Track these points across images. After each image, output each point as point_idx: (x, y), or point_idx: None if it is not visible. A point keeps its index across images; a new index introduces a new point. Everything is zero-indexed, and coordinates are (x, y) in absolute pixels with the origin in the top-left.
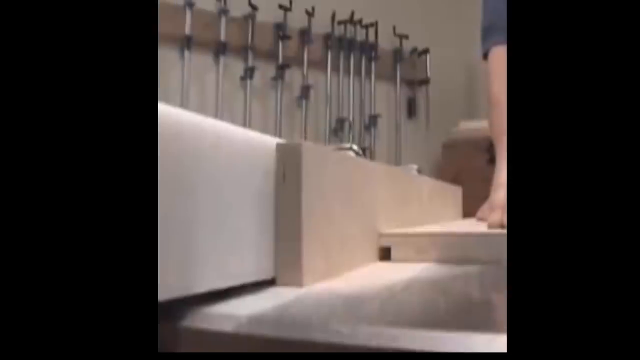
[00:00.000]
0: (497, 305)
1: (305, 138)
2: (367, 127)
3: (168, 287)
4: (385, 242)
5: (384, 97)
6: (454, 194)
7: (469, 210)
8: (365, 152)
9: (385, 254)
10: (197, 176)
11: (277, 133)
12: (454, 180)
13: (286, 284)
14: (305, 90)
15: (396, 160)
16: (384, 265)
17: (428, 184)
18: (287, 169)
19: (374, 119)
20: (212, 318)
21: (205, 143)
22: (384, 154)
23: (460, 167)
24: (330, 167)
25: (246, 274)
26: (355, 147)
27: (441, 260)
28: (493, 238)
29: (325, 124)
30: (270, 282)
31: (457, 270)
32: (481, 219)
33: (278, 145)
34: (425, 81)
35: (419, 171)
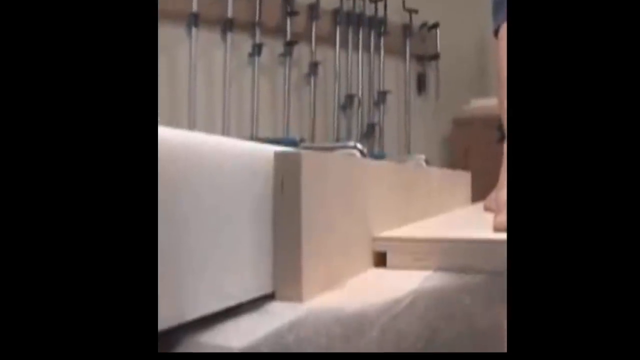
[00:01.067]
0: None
1: (314, 115)
2: (377, 104)
3: (159, 318)
4: (380, 247)
5: (394, 73)
6: (463, 179)
7: (479, 190)
8: (375, 128)
9: (379, 259)
10: (186, 197)
11: (285, 110)
12: (464, 156)
13: (286, 298)
14: (314, 67)
15: (406, 136)
16: (380, 273)
17: (435, 175)
18: (286, 179)
19: (383, 95)
20: (204, 349)
21: (193, 162)
22: (393, 130)
23: (470, 144)
24: (331, 173)
25: (244, 293)
26: (359, 146)
27: (441, 269)
28: (498, 246)
29: (334, 101)
30: (270, 296)
31: (460, 282)
32: (489, 209)
33: (276, 154)
34: (435, 56)
35: (427, 162)
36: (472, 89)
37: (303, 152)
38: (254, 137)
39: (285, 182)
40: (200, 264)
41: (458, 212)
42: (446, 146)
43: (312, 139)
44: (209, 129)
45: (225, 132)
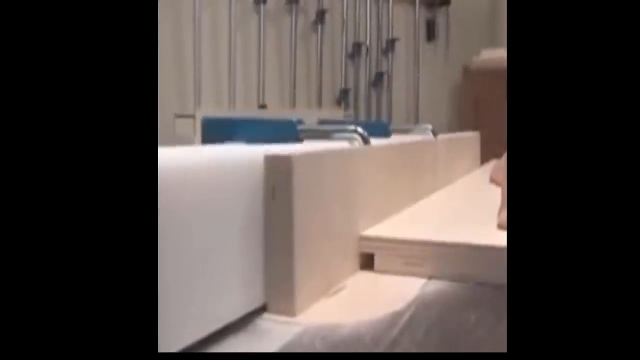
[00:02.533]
0: None
1: (321, 65)
2: (385, 52)
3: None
4: (367, 248)
5: (402, 20)
6: (471, 142)
7: (488, 140)
8: (383, 77)
9: (366, 260)
10: (168, 220)
11: (292, 59)
12: (474, 104)
13: (278, 311)
14: (321, 15)
15: (414, 85)
16: (371, 279)
17: (442, 146)
18: (277, 185)
19: (391, 43)
20: None
21: (175, 181)
22: (402, 79)
23: (479, 95)
24: (326, 174)
25: (233, 312)
26: (360, 129)
27: (436, 277)
28: (500, 253)
29: (341, 49)
30: (261, 308)
31: (460, 296)
32: (494, 181)
33: (266, 158)
34: (445, 2)
35: (434, 133)
36: (483, 36)
37: (295, 155)
38: (260, 83)
39: (277, 188)
40: (185, 291)
41: (462, 187)
42: (455, 95)
43: (320, 89)
44: (215, 78)
45: (231, 80)
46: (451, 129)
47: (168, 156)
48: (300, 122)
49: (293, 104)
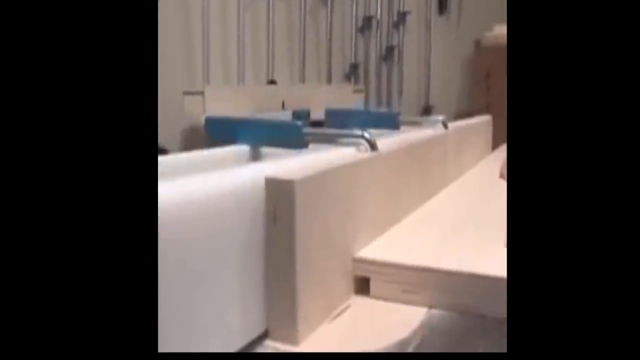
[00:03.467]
0: None
1: (331, 39)
2: (396, 25)
3: None
4: (362, 271)
5: None
6: (484, 128)
7: (497, 122)
8: (394, 50)
9: (361, 283)
10: (164, 249)
11: (301, 34)
12: (486, 78)
13: (279, 339)
14: None
15: (426, 59)
16: (367, 305)
17: (453, 138)
18: (278, 209)
19: (402, 16)
20: None
21: (173, 215)
22: (413, 53)
23: (491, 70)
24: (329, 192)
25: (231, 343)
26: (367, 135)
27: (437, 307)
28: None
29: (351, 23)
30: (262, 335)
31: (466, 330)
32: (503, 176)
33: (267, 182)
34: None
35: (445, 124)
36: (496, 11)
37: (297, 180)
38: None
39: (278, 212)
40: (183, 320)
41: (470, 185)
42: (467, 69)
43: (329, 63)
44: (224, 54)
45: (240, 56)
46: (462, 104)
47: (167, 188)
48: (306, 118)
49: (302, 80)
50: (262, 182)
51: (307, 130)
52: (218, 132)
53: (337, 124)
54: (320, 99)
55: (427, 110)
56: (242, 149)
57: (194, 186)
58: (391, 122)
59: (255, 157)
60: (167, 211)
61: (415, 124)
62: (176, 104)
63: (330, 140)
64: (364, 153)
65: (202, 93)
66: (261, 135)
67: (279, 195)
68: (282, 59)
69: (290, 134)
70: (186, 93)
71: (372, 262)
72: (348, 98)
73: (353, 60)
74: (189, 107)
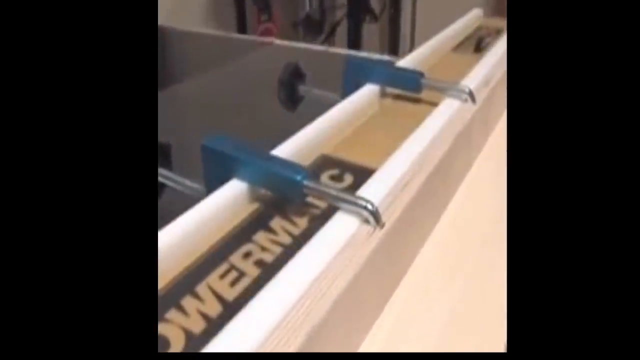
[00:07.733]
0: None
1: None
2: None
3: None
4: None
5: None
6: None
7: None
8: None
9: None
10: None
11: None
12: None
13: None
14: None
15: None
16: None
17: (479, 113)
18: None
19: None
20: None
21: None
22: None
23: None
24: None
25: None
26: (370, 206)
27: None
28: None
29: None
30: None
31: None
32: None
33: None
34: None
35: (472, 96)
36: None
37: None
38: None
39: None
40: None
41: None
42: None
43: None
44: None
45: None
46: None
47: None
48: (306, 176)
49: None
50: None
51: (308, 184)
52: (216, 169)
53: (355, 75)
54: None
55: None
56: (240, 188)
57: None
58: (413, 84)
59: (253, 198)
60: None
61: (439, 89)
62: None
63: (331, 200)
64: (364, 236)
65: None
66: (260, 176)
67: None
68: None
69: (290, 188)
70: None
71: None
72: None
73: None
74: None
